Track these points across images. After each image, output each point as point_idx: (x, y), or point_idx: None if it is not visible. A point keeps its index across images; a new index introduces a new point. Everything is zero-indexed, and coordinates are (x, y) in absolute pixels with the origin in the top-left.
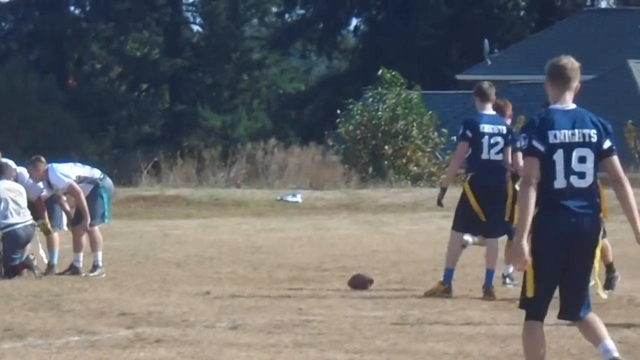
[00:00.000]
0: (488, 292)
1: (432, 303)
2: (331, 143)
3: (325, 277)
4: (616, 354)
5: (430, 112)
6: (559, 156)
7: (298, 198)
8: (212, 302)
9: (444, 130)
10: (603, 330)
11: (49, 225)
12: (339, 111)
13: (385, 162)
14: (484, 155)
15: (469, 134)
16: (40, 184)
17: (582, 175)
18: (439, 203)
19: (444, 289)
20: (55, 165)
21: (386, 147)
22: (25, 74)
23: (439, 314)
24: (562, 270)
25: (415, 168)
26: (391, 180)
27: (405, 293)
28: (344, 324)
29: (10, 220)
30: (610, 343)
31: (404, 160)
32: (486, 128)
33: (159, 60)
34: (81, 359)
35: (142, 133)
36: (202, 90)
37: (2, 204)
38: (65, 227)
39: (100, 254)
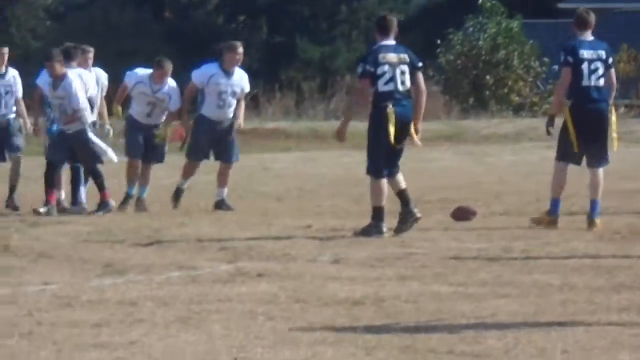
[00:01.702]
0: (592, 222)
1: (536, 234)
2: (432, 73)
3: (428, 209)
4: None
5: (531, 41)
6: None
7: None
8: (313, 235)
9: (546, 59)
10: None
11: (167, 134)
12: (439, 41)
13: (487, 92)
14: (585, 82)
15: (570, 59)
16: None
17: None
18: (547, 131)
19: (550, 220)
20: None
21: (487, 77)
22: (121, 7)
23: (543, 246)
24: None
25: (517, 98)
26: (493, 110)
27: (509, 224)
28: (447, 256)
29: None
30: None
31: (506, 90)
32: (585, 54)
33: None
34: (182, 294)
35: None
36: (300, 22)
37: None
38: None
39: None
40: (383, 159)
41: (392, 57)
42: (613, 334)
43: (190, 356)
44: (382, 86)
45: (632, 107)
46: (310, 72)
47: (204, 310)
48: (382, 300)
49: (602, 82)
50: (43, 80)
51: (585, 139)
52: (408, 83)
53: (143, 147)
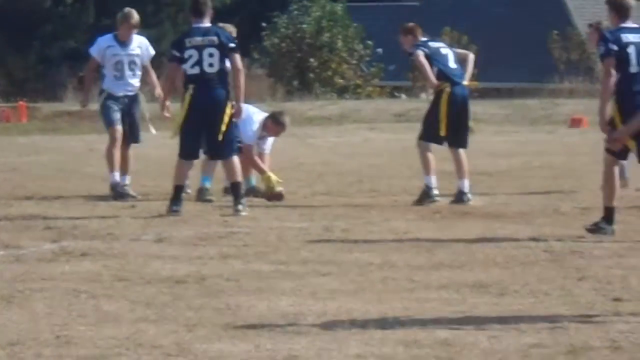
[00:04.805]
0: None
1: (357, 214)
2: (257, 56)
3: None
4: None
5: (355, 24)
6: None
7: None
8: (137, 215)
9: (369, 42)
10: None
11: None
12: (264, 24)
13: (311, 75)
14: (633, 69)
15: (613, 47)
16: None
17: None
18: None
19: None
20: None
21: (311, 59)
22: None
23: (364, 225)
24: None
25: (340, 80)
26: (317, 92)
27: (330, 204)
28: (269, 235)
29: None
30: None
31: (330, 73)
32: (631, 37)
33: None
34: (6, 274)
35: (67, 48)
36: (127, 5)
37: None
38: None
39: None
40: (195, 141)
41: (198, 40)
42: (432, 311)
43: (13, 334)
44: (189, 69)
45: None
46: None
47: (28, 289)
48: (204, 279)
49: None
50: None
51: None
52: (217, 65)
53: None
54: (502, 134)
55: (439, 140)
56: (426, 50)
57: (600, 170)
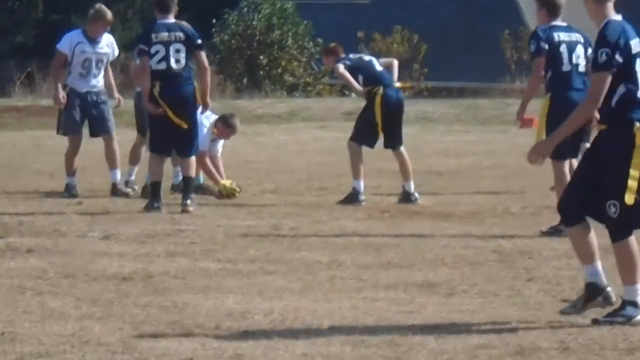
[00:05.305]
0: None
1: (305, 213)
2: (206, 53)
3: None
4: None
5: (305, 22)
6: None
7: None
8: (84, 212)
9: (320, 39)
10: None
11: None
12: (214, 21)
13: (261, 72)
14: (565, 67)
15: (544, 46)
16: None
17: None
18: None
19: None
20: None
21: (261, 57)
22: None
23: (312, 224)
24: None
25: (290, 78)
26: (266, 90)
27: (279, 202)
28: (217, 233)
29: None
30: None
31: (279, 71)
32: (562, 36)
33: None
34: None
35: (16, 43)
36: (76, 0)
37: None
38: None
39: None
40: (165, 136)
41: (164, 35)
42: (380, 311)
43: None
44: (155, 65)
45: (404, 88)
46: None
47: None
48: (151, 276)
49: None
50: None
51: None
52: (184, 61)
53: None
54: (453, 133)
55: (371, 143)
56: (347, 62)
57: (551, 170)
